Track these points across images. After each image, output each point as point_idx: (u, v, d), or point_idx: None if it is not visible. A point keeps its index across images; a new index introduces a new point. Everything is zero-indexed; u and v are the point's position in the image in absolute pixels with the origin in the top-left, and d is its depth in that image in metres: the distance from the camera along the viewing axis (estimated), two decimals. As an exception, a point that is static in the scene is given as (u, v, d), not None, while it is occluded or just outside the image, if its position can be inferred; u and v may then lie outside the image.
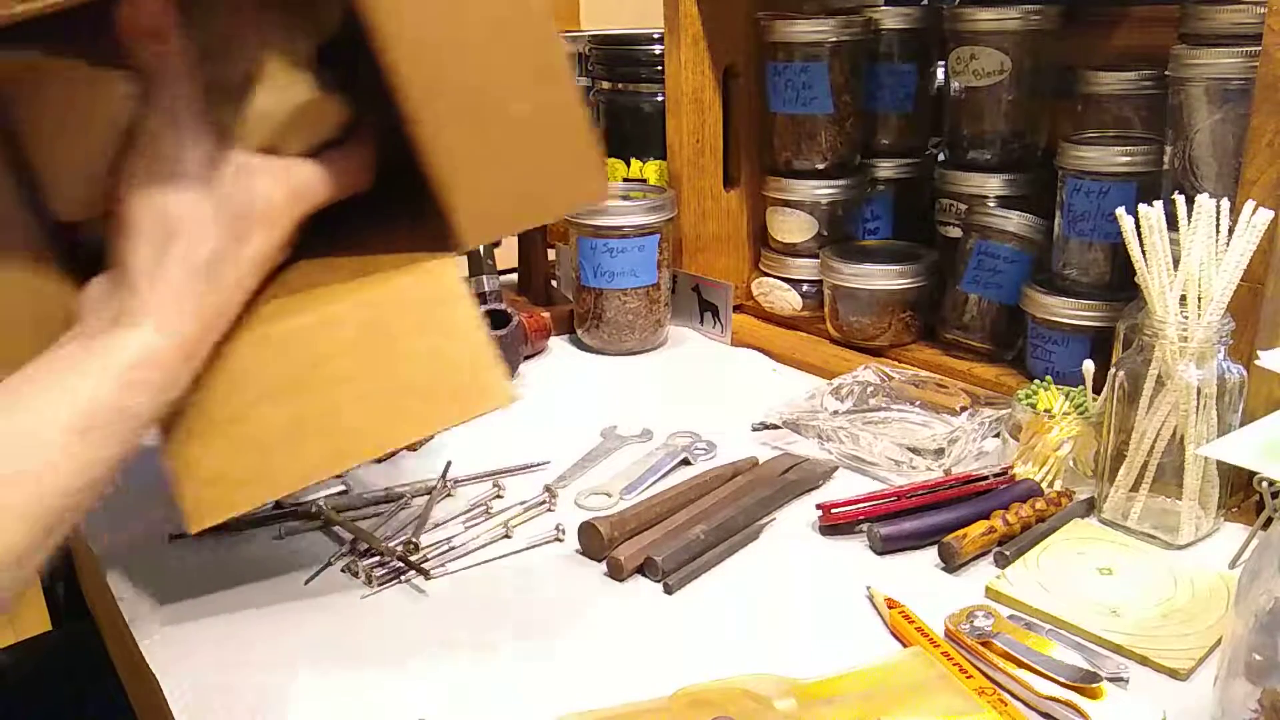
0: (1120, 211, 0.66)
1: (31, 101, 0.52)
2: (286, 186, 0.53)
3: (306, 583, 0.67)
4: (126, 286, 0.49)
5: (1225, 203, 0.64)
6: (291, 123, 0.53)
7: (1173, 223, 0.65)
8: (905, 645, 0.59)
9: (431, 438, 0.88)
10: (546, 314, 1.09)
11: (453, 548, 0.70)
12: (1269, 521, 0.65)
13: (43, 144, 0.53)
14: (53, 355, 0.48)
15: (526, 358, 1.06)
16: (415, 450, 0.86)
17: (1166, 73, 0.76)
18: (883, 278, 1.00)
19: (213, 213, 0.50)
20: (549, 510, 0.76)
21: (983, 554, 0.68)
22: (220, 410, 0.53)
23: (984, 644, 0.57)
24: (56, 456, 0.45)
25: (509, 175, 0.53)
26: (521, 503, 0.75)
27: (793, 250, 1.10)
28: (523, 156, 0.53)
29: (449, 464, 0.81)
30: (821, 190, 1.07)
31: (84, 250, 0.53)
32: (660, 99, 1.18)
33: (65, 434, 0.46)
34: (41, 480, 0.45)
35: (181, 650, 0.61)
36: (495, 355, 0.54)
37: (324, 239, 0.57)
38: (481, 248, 1.09)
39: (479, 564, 0.69)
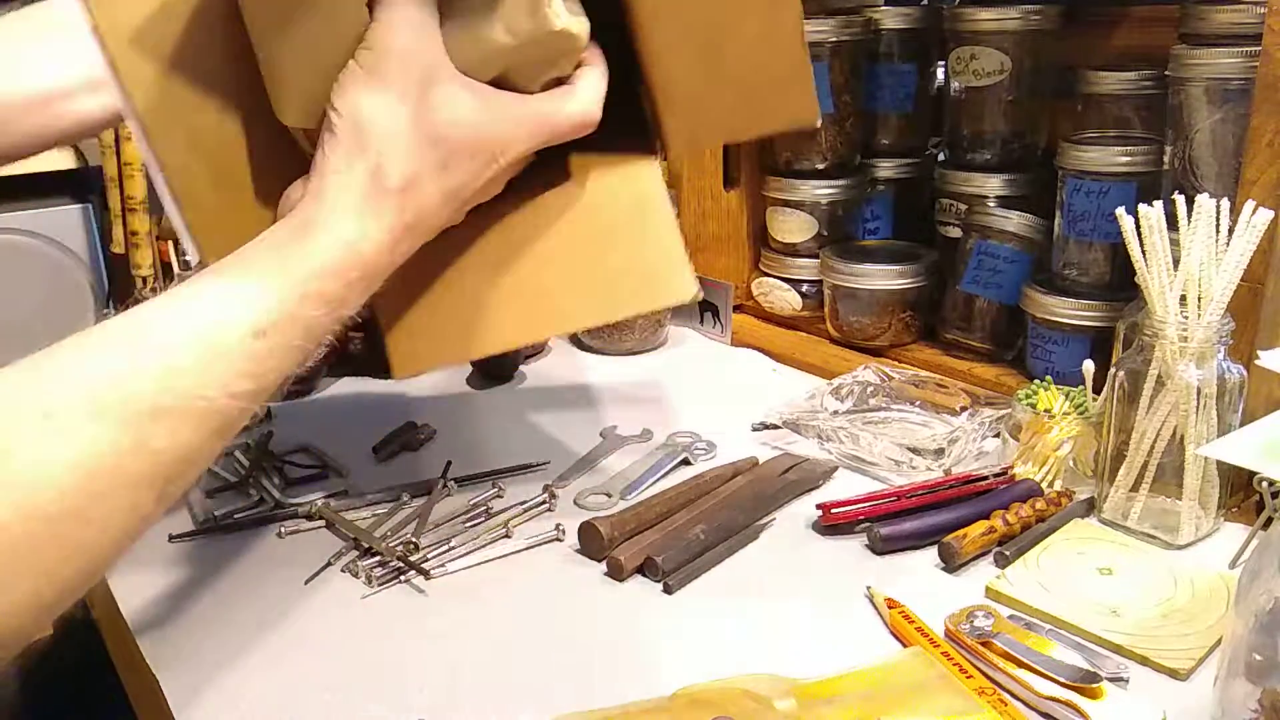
0: (1120, 211, 0.66)
1: (273, 4, 0.52)
2: (506, 126, 0.51)
3: (306, 583, 0.67)
4: (316, 192, 0.49)
5: (1225, 203, 0.64)
6: (526, 56, 0.51)
7: (1173, 223, 0.65)
8: (905, 645, 0.59)
9: (433, 435, 0.88)
10: (547, 314, 1.09)
11: (453, 548, 0.70)
12: (1269, 521, 0.65)
13: (278, 45, 0.52)
14: (241, 255, 0.48)
15: (526, 358, 1.06)
16: (415, 450, 0.86)
17: (1166, 73, 0.76)
18: (883, 278, 1.00)
19: (416, 134, 0.49)
20: (549, 510, 0.76)
21: (983, 554, 0.68)
22: (431, 273, 0.57)
23: (984, 644, 0.57)
24: (231, 357, 0.45)
25: (726, 91, 0.56)
26: (521, 503, 0.75)
27: (793, 250, 1.10)
28: (742, 74, 0.56)
29: (449, 464, 0.81)
30: (821, 190, 1.07)
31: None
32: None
33: (243, 336, 0.45)
34: (213, 380, 0.44)
35: (181, 650, 0.61)
36: (685, 253, 0.57)
37: None
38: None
39: (479, 564, 0.69)
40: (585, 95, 0.54)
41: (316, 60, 0.51)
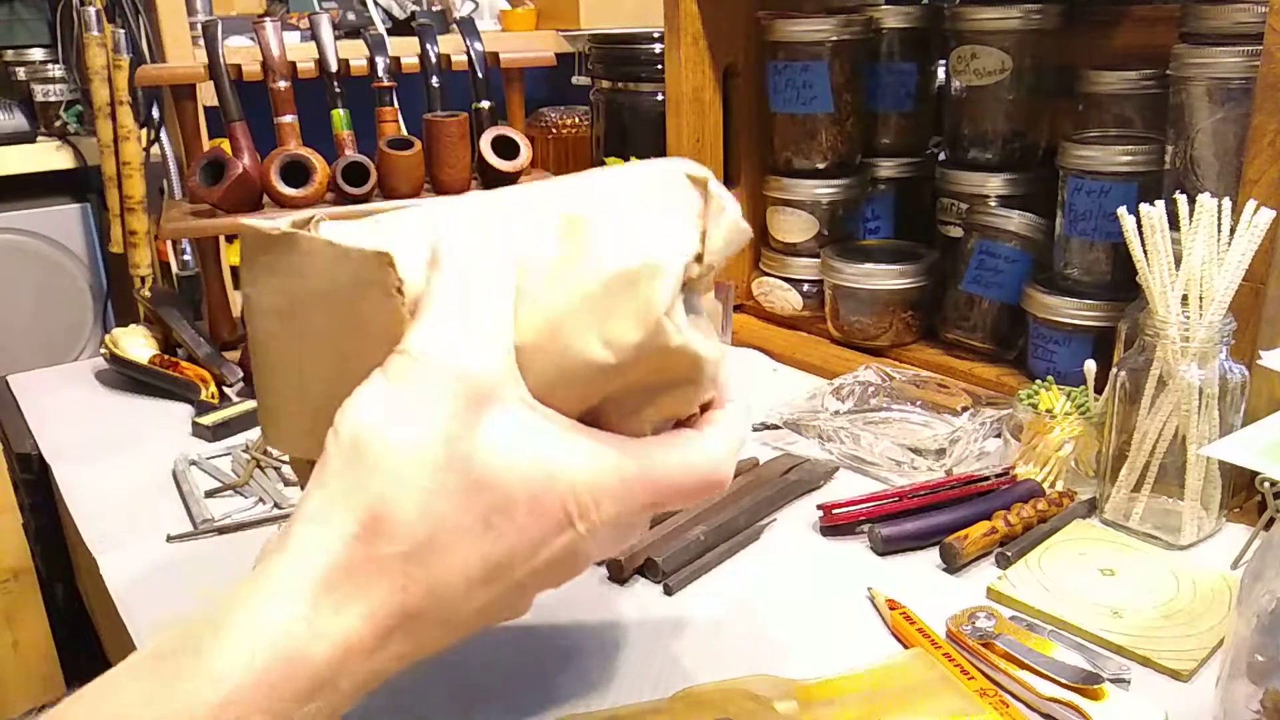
0: (1122, 211, 0.66)
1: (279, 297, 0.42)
2: (591, 475, 0.36)
3: (306, 583, 0.67)
4: (269, 556, 0.34)
5: (1227, 202, 0.64)
6: (632, 381, 0.38)
7: (1174, 222, 0.65)
8: (906, 646, 0.59)
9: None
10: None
11: (452, 548, 0.70)
12: (1271, 522, 0.65)
13: (283, 360, 0.43)
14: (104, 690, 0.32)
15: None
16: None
17: (1168, 72, 0.76)
18: (883, 277, 1.00)
19: (448, 471, 0.33)
20: (549, 511, 0.75)
21: (984, 555, 0.67)
22: None
23: (985, 645, 0.57)
24: None
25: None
26: (521, 503, 0.75)
27: (793, 250, 1.10)
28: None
29: (449, 464, 0.80)
30: (822, 190, 1.07)
31: None
32: (660, 98, 1.18)
33: None
34: None
35: (180, 651, 0.61)
36: None
37: None
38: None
39: (479, 565, 0.69)
40: (714, 445, 0.41)
41: (329, 370, 0.38)
